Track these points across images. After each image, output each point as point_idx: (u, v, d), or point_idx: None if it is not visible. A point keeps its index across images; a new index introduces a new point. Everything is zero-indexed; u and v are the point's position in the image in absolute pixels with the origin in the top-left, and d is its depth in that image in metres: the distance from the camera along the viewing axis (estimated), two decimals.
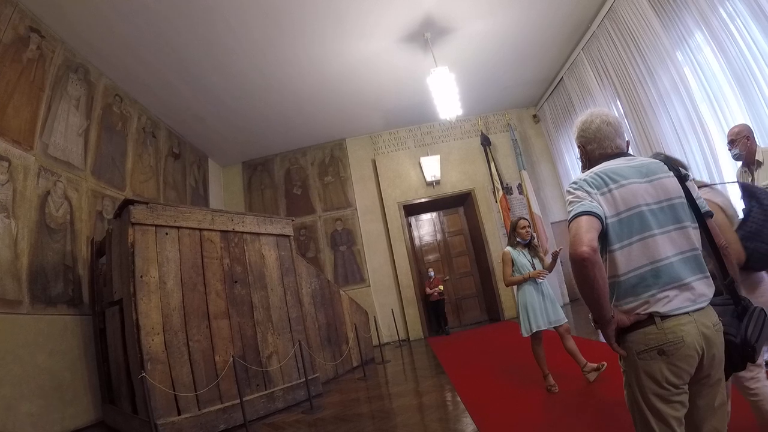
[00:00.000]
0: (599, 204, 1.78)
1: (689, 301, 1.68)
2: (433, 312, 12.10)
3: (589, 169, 1.97)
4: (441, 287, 11.82)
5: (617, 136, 1.99)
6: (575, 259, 1.64)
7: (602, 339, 6.68)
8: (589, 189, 1.81)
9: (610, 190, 1.79)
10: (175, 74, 8.42)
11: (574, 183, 1.86)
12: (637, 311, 1.71)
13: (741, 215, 2.30)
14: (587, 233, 1.67)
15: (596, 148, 1.99)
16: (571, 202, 1.80)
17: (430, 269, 12.22)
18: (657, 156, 1.97)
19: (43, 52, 6.48)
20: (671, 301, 1.68)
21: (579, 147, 2.08)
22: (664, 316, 1.66)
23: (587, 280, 1.64)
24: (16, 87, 5.94)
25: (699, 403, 1.73)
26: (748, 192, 2.25)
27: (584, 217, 1.71)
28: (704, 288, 1.73)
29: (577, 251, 1.64)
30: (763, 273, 2.27)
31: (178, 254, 5.44)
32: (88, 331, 6.40)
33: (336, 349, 8.06)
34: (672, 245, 1.74)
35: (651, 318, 1.67)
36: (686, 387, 1.68)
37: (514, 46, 9.67)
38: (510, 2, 8.19)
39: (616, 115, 1.99)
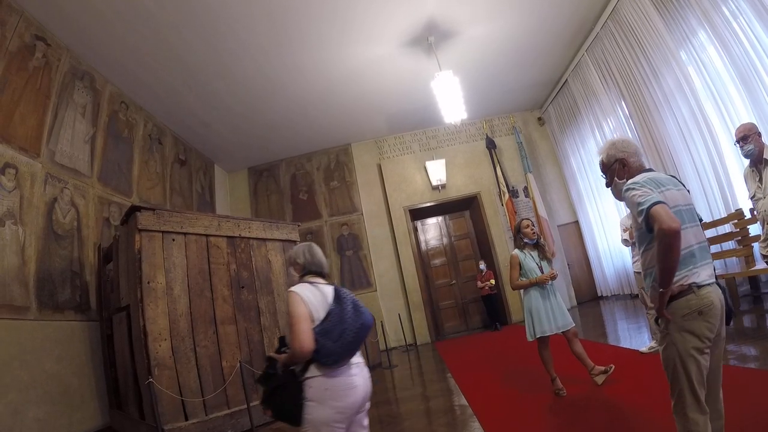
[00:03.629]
0: None
1: (709, 276, 2.20)
2: (485, 307, 11.94)
3: (626, 178, 2.45)
4: (492, 281, 11.47)
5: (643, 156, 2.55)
6: (669, 232, 2.00)
7: (610, 341, 6.67)
8: (652, 187, 2.21)
9: (661, 191, 2.21)
10: (181, 80, 8.47)
11: (636, 182, 2.27)
12: (681, 283, 2.15)
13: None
14: (673, 216, 2.06)
15: (636, 161, 2.49)
16: (640, 195, 2.17)
17: (482, 262, 11.90)
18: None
19: (49, 60, 6.54)
20: (700, 275, 2.17)
21: (619, 161, 2.52)
22: (700, 286, 2.15)
23: (673, 250, 2.04)
24: (23, 95, 5.99)
25: (714, 355, 2.22)
26: (337, 295, 2.57)
27: (663, 205, 2.08)
28: (713, 269, 2.26)
29: (672, 226, 2.00)
30: None
31: (184, 260, 5.44)
32: (96, 336, 6.43)
33: None
34: (694, 236, 2.25)
35: (690, 288, 2.15)
36: (711, 342, 2.16)
37: (517, 48, 9.67)
38: (512, 5, 8.19)
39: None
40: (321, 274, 2.71)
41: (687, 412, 2.10)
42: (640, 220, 2.16)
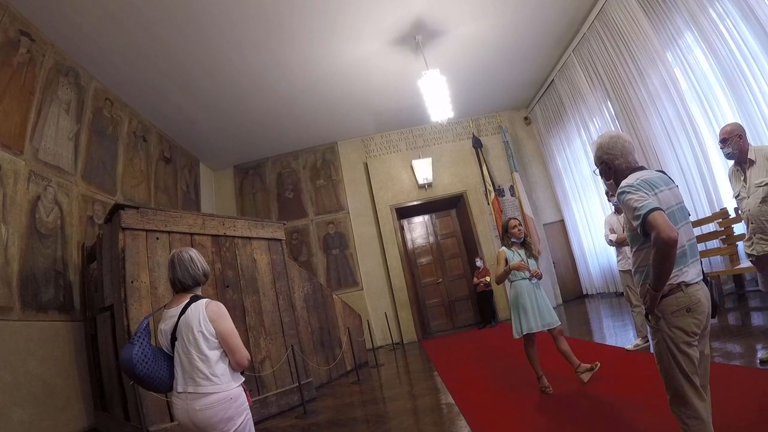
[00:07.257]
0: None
1: (697, 275, 2.28)
2: (480, 304, 11.96)
3: (612, 180, 2.55)
4: (487, 278, 11.34)
5: (635, 151, 2.54)
6: (668, 241, 2.05)
7: (596, 339, 6.72)
8: (647, 190, 2.26)
9: (655, 194, 2.27)
10: (166, 77, 8.38)
11: (631, 186, 2.29)
12: (671, 282, 2.22)
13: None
14: (671, 225, 2.10)
15: (623, 162, 2.49)
16: (637, 200, 2.21)
17: (478, 259, 11.84)
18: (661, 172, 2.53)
19: (33, 56, 6.43)
20: (689, 274, 2.25)
21: (604, 163, 2.56)
22: (688, 284, 2.23)
23: (670, 257, 2.10)
24: (6, 91, 5.88)
25: (700, 345, 2.29)
26: (137, 336, 2.55)
27: (660, 212, 2.12)
28: (700, 266, 2.35)
29: (670, 236, 2.04)
30: None
31: None
32: (80, 337, 6.34)
33: (329, 353, 8.03)
34: (685, 235, 2.31)
35: (678, 287, 2.23)
36: (698, 336, 2.25)
37: (505, 48, 9.70)
38: (500, 5, 8.22)
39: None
40: (186, 288, 2.72)
41: (688, 400, 2.17)
42: (636, 224, 2.21)
